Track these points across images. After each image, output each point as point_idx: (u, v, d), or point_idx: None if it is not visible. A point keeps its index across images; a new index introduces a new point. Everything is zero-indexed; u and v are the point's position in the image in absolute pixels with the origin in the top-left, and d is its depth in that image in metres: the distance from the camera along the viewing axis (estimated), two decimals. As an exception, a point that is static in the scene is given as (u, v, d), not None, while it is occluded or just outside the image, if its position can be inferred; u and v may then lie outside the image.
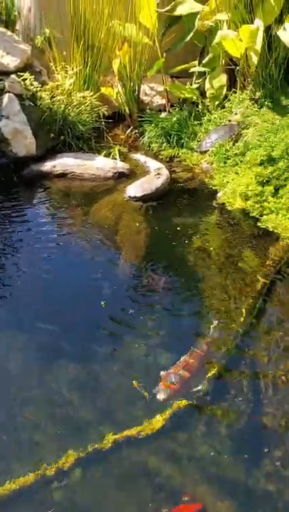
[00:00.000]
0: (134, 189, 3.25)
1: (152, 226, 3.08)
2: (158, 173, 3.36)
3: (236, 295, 2.55)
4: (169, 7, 3.80)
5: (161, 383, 1.98)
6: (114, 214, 3.15)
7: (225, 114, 3.97)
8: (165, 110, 4.40)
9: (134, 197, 3.23)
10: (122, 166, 3.54)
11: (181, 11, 3.80)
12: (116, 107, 4.34)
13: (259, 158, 3.20)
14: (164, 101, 4.49)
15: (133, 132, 4.18)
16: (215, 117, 4.02)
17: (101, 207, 3.22)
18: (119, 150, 3.83)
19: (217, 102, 4.11)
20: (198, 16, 3.88)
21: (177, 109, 4.28)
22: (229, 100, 4.00)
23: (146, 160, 3.69)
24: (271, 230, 2.99)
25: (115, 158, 3.72)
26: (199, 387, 2.00)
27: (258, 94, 3.87)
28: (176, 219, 3.20)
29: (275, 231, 2.98)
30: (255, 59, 3.56)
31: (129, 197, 3.24)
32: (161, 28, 4.17)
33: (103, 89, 3.99)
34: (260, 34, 3.47)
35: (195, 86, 4.35)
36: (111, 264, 2.77)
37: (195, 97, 4.25)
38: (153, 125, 4.00)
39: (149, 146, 4.00)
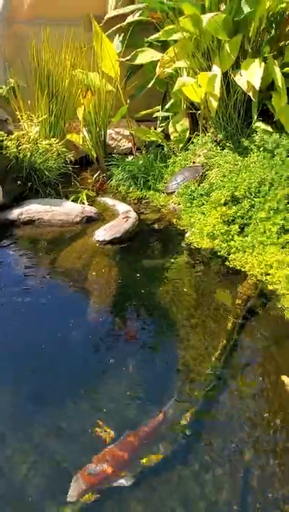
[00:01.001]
0: (103, 233, 3.27)
1: (122, 269, 3.09)
2: (126, 216, 3.40)
3: (208, 339, 2.55)
4: (129, 56, 3.93)
5: (81, 474, 1.74)
6: (83, 259, 3.15)
7: (189, 156, 4.08)
8: (132, 153, 4.50)
9: (103, 241, 3.24)
10: (90, 210, 3.56)
11: (141, 60, 3.94)
12: (83, 152, 4.42)
13: (223, 199, 3.27)
14: (130, 144, 4.60)
15: (101, 176, 4.24)
16: (180, 159, 4.13)
17: (70, 252, 3.22)
18: (87, 194, 3.87)
19: (181, 145, 4.23)
20: (159, 63, 4.02)
21: (144, 152, 4.39)
22: (193, 143, 4.12)
23: (114, 203, 3.73)
24: (239, 268, 3.03)
25: (83, 203, 3.76)
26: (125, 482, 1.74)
27: (219, 136, 4.00)
28: (146, 261, 3.22)
29: (243, 269, 3.01)
30: (214, 103, 3.69)
31: (98, 241, 3.25)
32: (123, 75, 4.32)
33: (69, 136, 4.07)
34: (218, 80, 3.61)
35: (159, 129, 4.48)
36: (80, 310, 2.74)
37: (160, 140, 4.37)
38: (120, 168, 4.07)
39: (117, 189, 4.06)
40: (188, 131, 4.19)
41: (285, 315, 2.62)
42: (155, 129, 4.52)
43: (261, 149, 3.70)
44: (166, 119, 4.45)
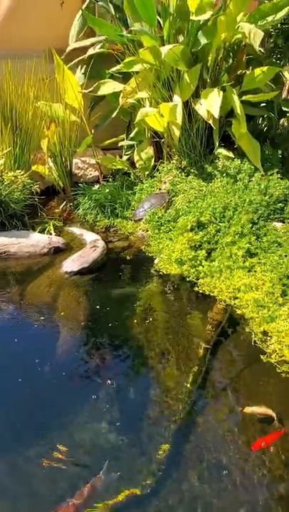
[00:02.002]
0: (71, 263, 3.26)
1: (92, 300, 3.07)
2: (94, 246, 3.39)
3: (180, 367, 2.54)
4: (92, 88, 3.99)
5: None
6: (52, 291, 3.12)
7: (155, 183, 4.13)
8: (99, 182, 4.53)
9: (71, 272, 3.22)
10: (57, 240, 3.55)
11: (103, 91, 4.01)
12: (50, 182, 4.42)
13: (189, 224, 3.31)
14: (97, 173, 4.63)
15: (68, 205, 4.24)
16: (146, 186, 4.17)
17: (38, 285, 3.18)
18: (54, 224, 3.85)
19: (147, 172, 4.28)
20: (121, 94, 4.09)
21: (110, 180, 4.42)
22: (158, 170, 4.18)
23: (82, 232, 3.73)
24: (208, 293, 3.05)
25: (51, 233, 3.74)
26: None
27: (183, 163, 4.07)
28: (116, 290, 3.21)
29: (212, 294, 3.03)
30: (177, 132, 3.77)
31: (66, 272, 3.23)
32: (87, 106, 4.37)
33: (34, 167, 4.07)
34: (179, 109, 3.69)
35: (125, 158, 4.53)
36: (49, 345, 2.70)
37: (126, 168, 4.42)
38: (87, 197, 4.08)
39: (85, 218, 4.06)
40: (153, 159, 4.25)
41: (253, 339, 2.64)
42: (121, 157, 4.57)
43: (224, 175, 3.78)
44: (131, 147, 4.51)
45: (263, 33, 3.31)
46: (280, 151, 3.84)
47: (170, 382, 2.44)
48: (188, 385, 2.41)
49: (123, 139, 4.52)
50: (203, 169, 3.95)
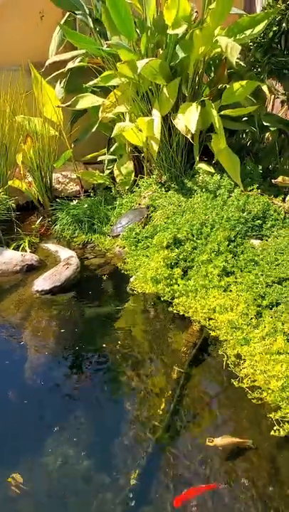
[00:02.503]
0: (42, 282, 3.16)
1: (63, 320, 2.97)
2: (67, 263, 3.30)
3: (154, 391, 2.45)
4: (70, 102, 3.92)
5: None
6: (22, 311, 3.02)
7: (135, 198, 4.05)
8: (80, 196, 4.45)
9: (42, 290, 3.12)
10: (30, 257, 3.45)
11: (82, 105, 3.94)
12: (29, 197, 4.34)
13: (165, 241, 3.22)
14: (78, 187, 4.55)
15: (46, 221, 4.16)
16: (126, 201, 4.09)
17: (8, 304, 3.08)
18: (29, 241, 3.76)
19: (127, 187, 4.20)
20: (101, 108, 4.02)
21: (92, 194, 4.35)
22: (138, 185, 4.10)
23: (57, 249, 3.63)
24: (183, 313, 2.95)
25: (26, 250, 3.65)
26: None
27: (163, 178, 3.99)
28: (89, 310, 3.11)
29: (187, 314, 2.93)
30: (155, 147, 3.69)
31: (37, 291, 3.13)
32: (67, 120, 4.30)
33: (10, 182, 3.99)
34: (158, 124, 3.62)
35: (107, 172, 4.46)
36: (17, 368, 2.59)
37: (107, 183, 4.34)
38: (65, 213, 3.99)
39: (62, 234, 3.97)
40: (133, 174, 4.17)
41: (227, 363, 2.53)
42: (102, 171, 4.50)
43: (204, 190, 3.70)
44: (113, 161, 4.43)
45: (240, 47, 3.25)
46: (260, 166, 3.75)
47: (142, 410, 2.33)
48: (160, 412, 2.31)
49: (104, 154, 4.45)
50: (183, 184, 3.88)
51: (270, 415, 2.21)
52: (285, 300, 2.63)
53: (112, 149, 4.30)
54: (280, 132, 4.16)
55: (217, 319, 2.80)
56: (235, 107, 3.84)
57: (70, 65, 4.16)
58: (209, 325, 2.81)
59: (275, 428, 2.14)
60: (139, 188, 4.08)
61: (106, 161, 4.48)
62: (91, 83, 3.88)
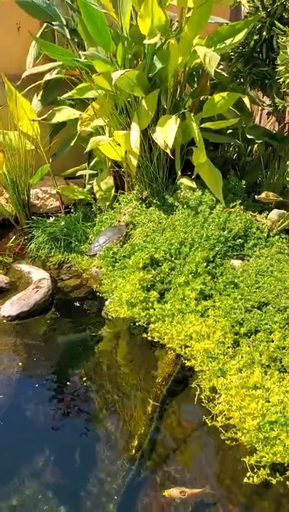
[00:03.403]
0: (9, 307, 2.96)
1: (30, 349, 2.78)
2: (37, 286, 3.11)
3: (126, 427, 2.27)
4: (45, 115, 3.76)
5: None
6: (-16, 338, 2.83)
7: (115, 214, 3.87)
8: (60, 212, 4.28)
9: (9, 316, 2.93)
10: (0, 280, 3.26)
11: (58, 118, 3.77)
12: (5, 214, 4.17)
13: (142, 262, 3.03)
14: (58, 203, 4.38)
15: (22, 239, 3.97)
16: (106, 218, 3.91)
17: None
18: (2, 261, 3.57)
19: (108, 203, 4.03)
20: (79, 121, 3.86)
21: (72, 210, 4.17)
22: (118, 201, 3.92)
23: (30, 270, 3.44)
24: (158, 340, 2.75)
25: (-3, 271, 3.47)
26: None
27: (144, 193, 3.81)
28: (57, 337, 2.92)
29: (162, 342, 2.74)
30: (134, 161, 3.52)
31: (3, 316, 2.94)
32: (45, 133, 4.14)
33: (-17, 199, 3.82)
34: (136, 137, 3.44)
35: (88, 187, 4.28)
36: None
37: (89, 198, 4.17)
38: (40, 231, 3.81)
39: (37, 253, 3.79)
40: (113, 189, 4.00)
41: (201, 398, 2.33)
42: (84, 186, 4.33)
43: (185, 207, 3.52)
44: (94, 176, 4.26)
45: (219, 57, 3.08)
46: (244, 181, 3.57)
47: (113, 450, 2.14)
48: (133, 452, 2.13)
49: (85, 168, 4.28)
50: (164, 200, 3.70)
51: (245, 459, 2.00)
52: (264, 327, 2.43)
53: (92, 164, 4.13)
54: (268, 145, 3.98)
55: (193, 347, 2.60)
56: (220, 119, 3.68)
57: (48, 77, 4.00)
58: (185, 353, 2.61)
59: (248, 474, 1.93)
60: (119, 204, 3.90)
61: (87, 176, 4.31)
62: (65, 96, 3.72)
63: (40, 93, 4.07)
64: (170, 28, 3.67)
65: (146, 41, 3.21)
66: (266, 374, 2.24)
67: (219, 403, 2.27)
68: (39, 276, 3.29)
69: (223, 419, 2.19)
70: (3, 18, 4.17)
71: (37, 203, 4.36)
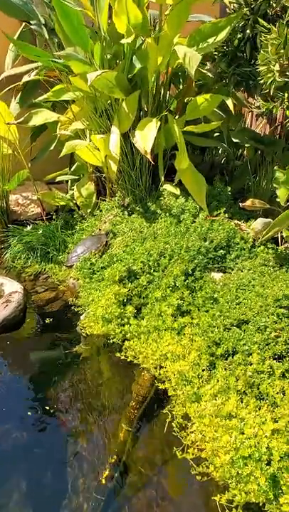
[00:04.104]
0: (-24, 323, 2.79)
1: (4, 367, 2.61)
2: (7, 301, 2.93)
3: (97, 453, 2.10)
4: (22, 118, 3.58)
5: None
6: None
7: (96, 222, 3.69)
8: (41, 219, 4.11)
9: (-25, 333, 2.76)
10: None
11: (35, 121, 3.59)
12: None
13: (118, 275, 2.85)
14: (39, 210, 4.21)
15: (-2, 248, 3.81)
16: (87, 226, 3.74)
17: None
18: (-25, 272, 3.42)
19: (89, 210, 3.86)
20: (58, 125, 3.69)
21: (54, 217, 4.00)
22: (100, 208, 3.75)
23: (2, 281, 3.27)
24: (131, 359, 2.57)
25: None
26: None
27: (126, 200, 3.63)
28: (25, 356, 2.74)
29: (136, 361, 2.56)
30: (114, 167, 3.34)
31: None
32: (24, 137, 3.97)
33: None
34: (115, 141, 3.26)
35: (70, 193, 4.11)
36: None
37: (71, 205, 4.00)
38: (17, 239, 3.64)
39: (13, 264, 3.61)
40: (94, 196, 3.83)
41: (172, 425, 2.15)
42: (67, 192, 4.16)
43: (168, 214, 3.34)
44: (76, 181, 4.08)
45: (200, 57, 2.90)
46: (229, 188, 3.39)
47: (82, 479, 1.98)
48: (103, 481, 1.97)
49: (67, 173, 4.11)
50: (147, 207, 3.52)
51: (216, 497, 1.82)
52: (242, 348, 2.24)
53: (73, 168, 3.96)
54: (257, 149, 3.80)
55: (168, 369, 2.42)
56: (207, 121, 3.51)
57: (26, 78, 3.82)
58: (160, 374, 2.44)
59: (219, 516, 1.75)
60: (100, 211, 3.73)
61: (69, 182, 4.14)
62: (41, 98, 3.54)
63: (19, 95, 3.90)
64: (152, 27, 3.51)
65: (123, 40, 3.03)
66: (242, 402, 2.06)
67: (192, 432, 2.09)
68: (11, 289, 3.11)
69: (195, 450, 2.01)
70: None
71: (17, 209, 4.19)
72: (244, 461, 1.84)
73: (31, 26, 3.70)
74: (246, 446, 1.86)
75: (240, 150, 4.09)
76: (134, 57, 3.25)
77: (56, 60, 3.41)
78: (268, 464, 1.81)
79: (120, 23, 2.97)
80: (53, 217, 4.03)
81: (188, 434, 2.09)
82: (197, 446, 2.03)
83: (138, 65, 3.23)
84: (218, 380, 2.18)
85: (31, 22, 3.72)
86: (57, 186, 4.37)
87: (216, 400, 2.11)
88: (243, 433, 1.93)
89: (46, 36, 3.70)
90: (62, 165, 4.20)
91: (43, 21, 3.73)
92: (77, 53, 3.35)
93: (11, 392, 2.47)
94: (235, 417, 2.01)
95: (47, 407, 2.32)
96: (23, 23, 3.88)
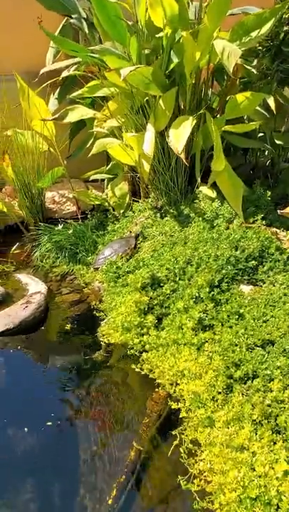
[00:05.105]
0: (-6, 323, 2.74)
1: (10, 371, 2.53)
2: (27, 302, 2.86)
3: (107, 472, 1.98)
4: (57, 115, 3.51)
5: None
6: None
7: (127, 224, 3.56)
8: (77, 218, 4.04)
9: (-8, 333, 2.71)
10: (-6, 291, 3.05)
11: (70, 118, 3.50)
12: (21, 218, 3.98)
13: (140, 281, 2.71)
14: (75, 208, 4.14)
15: (29, 246, 3.75)
16: (118, 227, 3.62)
17: None
18: (3, 269, 3.37)
19: (122, 211, 3.73)
20: (95, 122, 3.59)
21: (89, 216, 3.93)
22: (132, 209, 3.62)
23: (28, 281, 3.21)
24: (147, 373, 2.42)
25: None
26: None
27: (160, 202, 3.47)
28: (39, 362, 2.65)
29: (152, 375, 2.40)
30: (147, 167, 3.20)
31: (-13, 333, 2.72)
32: (61, 134, 3.90)
33: (-13, 203, 3.63)
34: (150, 140, 3.11)
35: (106, 192, 4.01)
36: None
37: (106, 204, 3.90)
38: (47, 238, 3.58)
39: (41, 263, 3.55)
40: (128, 196, 3.70)
41: (179, 452, 1.99)
42: (103, 191, 4.06)
43: (201, 219, 3.16)
44: (112, 180, 3.98)
45: (240, 52, 2.69)
46: (269, 193, 3.14)
47: (90, 493, 1.87)
48: (110, 501, 1.84)
49: (104, 172, 4.01)
50: (180, 210, 3.35)
51: None
52: (263, 373, 2.04)
53: (108, 168, 3.85)
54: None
55: (183, 387, 2.25)
56: (251, 121, 3.29)
57: (65, 73, 3.74)
58: (174, 392, 2.27)
59: None
60: (133, 212, 3.59)
61: (106, 180, 4.04)
62: (75, 94, 3.44)
63: (57, 91, 3.84)
64: (195, 20, 3.32)
65: (158, 34, 2.87)
66: (256, 433, 1.86)
67: (201, 460, 1.91)
68: (35, 289, 3.04)
69: (202, 481, 1.84)
70: (26, 11, 3.96)
71: (53, 207, 4.14)
72: (251, 503, 1.65)
73: (71, 20, 3.62)
74: (255, 486, 1.66)
75: (288, 152, 3.82)
76: (172, 52, 3.07)
77: (92, 55, 3.30)
78: (277, 509, 1.60)
79: (156, 16, 2.81)
80: (88, 216, 3.95)
81: (196, 462, 1.92)
82: (204, 477, 1.85)
83: (175, 61, 3.06)
84: (233, 406, 1.99)
85: (72, 16, 3.63)
86: (94, 185, 4.29)
87: (228, 427, 1.92)
88: (253, 469, 1.73)
89: (86, 31, 3.60)
90: (100, 163, 4.10)
91: (84, 15, 3.63)
92: (116, 48, 3.23)
93: (15, 399, 2.38)
94: (246, 450, 1.82)
95: (57, 418, 2.21)
96: (65, 18, 3.80)
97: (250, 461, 1.76)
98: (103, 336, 2.74)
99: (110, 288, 3.06)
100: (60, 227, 3.63)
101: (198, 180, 3.37)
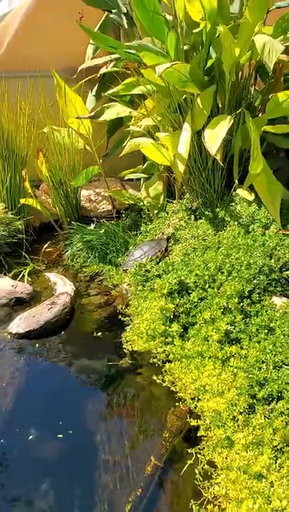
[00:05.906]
0: (17, 323, 2.71)
1: (31, 375, 2.50)
2: (52, 303, 2.82)
3: (123, 487, 1.90)
4: (93, 113, 3.45)
5: None
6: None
7: (160, 225, 3.46)
8: (112, 217, 3.98)
9: (17, 334, 2.68)
10: (22, 289, 3.03)
11: (107, 116, 3.44)
12: (54, 216, 3.96)
13: (167, 287, 2.61)
14: (110, 207, 4.08)
15: (62, 245, 3.73)
16: (151, 228, 3.53)
17: None
18: (34, 268, 3.35)
19: (156, 211, 3.64)
20: (132, 120, 3.51)
21: (123, 216, 3.86)
22: (166, 210, 3.51)
23: (56, 281, 3.18)
24: (168, 385, 2.32)
25: (27, 279, 3.24)
26: None
27: (195, 204, 3.35)
28: (59, 368, 2.57)
29: (173, 388, 2.30)
30: (181, 167, 3.07)
31: (11, 334, 2.70)
32: (98, 131, 3.85)
33: (23, 200, 3.62)
34: (186, 140, 3.00)
35: (141, 192, 3.92)
36: None
37: (141, 204, 3.81)
38: (78, 238, 3.53)
39: (72, 262, 3.51)
40: (162, 197, 3.59)
41: (194, 472, 1.88)
42: (139, 190, 3.98)
43: (236, 223, 3.01)
44: (148, 180, 3.88)
45: (282, 48, 2.53)
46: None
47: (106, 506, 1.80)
48: None
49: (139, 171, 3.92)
50: (216, 213, 3.21)
51: None
52: (288, 394, 1.89)
53: (143, 167, 3.76)
54: None
55: (204, 403, 2.13)
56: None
57: (103, 70, 3.68)
58: (195, 407, 2.16)
59: None
60: (166, 213, 3.49)
61: (142, 180, 3.95)
62: (110, 92, 3.36)
63: (95, 88, 3.78)
64: (238, 15, 3.16)
65: (197, 29, 2.74)
66: (276, 461, 1.72)
67: (217, 483, 1.79)
68: (62, 290, 3.00)
69: (216, 508, 1.72)
70: (66, 6, 3.93)
71: (88, 205, 4.10)
72: (266, 539, 1.52)
73: (111, 16, 3.54)
74: (270, 522, 1.53)
75: None
76: (211, 48, 2.94)
77: (129, 51, 3.21)
78: None
79: (193, 10, 2.68)
80: (122, 216, 3.88)
81: (211, 485, 1.80)
82: (218, 503, 1.74)
83: (214, 57, 2.92)
84: (253, 429, 1.86)
85: (112, 11, 3.55)
86: (131, 184, 4.21)
87: (247, 452, 1.79)
88: (269, 502, 1.60)
89: (125, 26, 3.51)
90: (138, 162, 4.02)
91: (124, 10, 3.55)
92: (154, 45, 3.13)
93: (23, 413, 2.31)
94: (264, 479, 1.68)
95: (64, 429, 2.15)
96: (106, 13, 3.73)
97: (267, 493, 1.63)
98: (127, 342, 2.66)
99: (138, 292, 2.97)
100: (92, 226, 3.58)
101: (236, 182, 3.21)
